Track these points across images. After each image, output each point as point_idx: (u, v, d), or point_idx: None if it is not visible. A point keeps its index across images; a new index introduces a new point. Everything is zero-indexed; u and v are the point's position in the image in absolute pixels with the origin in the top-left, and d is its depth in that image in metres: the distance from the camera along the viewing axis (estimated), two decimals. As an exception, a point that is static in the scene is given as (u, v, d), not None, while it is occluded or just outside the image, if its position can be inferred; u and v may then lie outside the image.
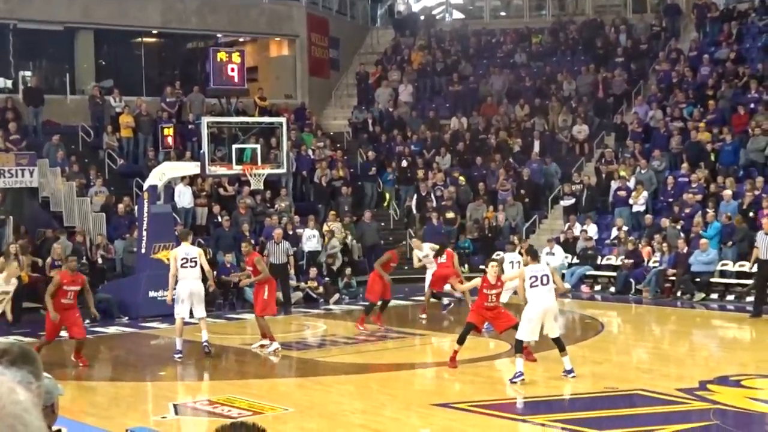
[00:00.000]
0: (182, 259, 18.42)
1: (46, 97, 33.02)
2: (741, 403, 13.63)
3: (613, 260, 28.78)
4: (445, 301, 25.33)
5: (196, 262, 18.54)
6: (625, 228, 29.50)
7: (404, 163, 35.18)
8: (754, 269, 23.64)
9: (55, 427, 5.57)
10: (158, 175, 25.06)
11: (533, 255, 16.66)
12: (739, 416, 13.14)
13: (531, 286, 15.56)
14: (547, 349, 17.14)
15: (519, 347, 15.53)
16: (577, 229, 30.43)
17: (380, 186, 35.36)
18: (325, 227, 30.24)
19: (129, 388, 16.20)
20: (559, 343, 15.75)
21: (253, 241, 24.34)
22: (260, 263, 19.04)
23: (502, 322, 16.50)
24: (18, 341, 5.00)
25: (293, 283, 27.25)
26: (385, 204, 34.85)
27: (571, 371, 15.40)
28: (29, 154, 29.19)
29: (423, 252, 24.39)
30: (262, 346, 19.00)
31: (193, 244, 20.27)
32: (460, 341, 16.71)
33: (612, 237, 29.87)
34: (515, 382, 15.06)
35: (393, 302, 26.61)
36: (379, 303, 22.25)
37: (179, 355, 18.28)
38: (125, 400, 15.35)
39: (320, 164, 33.98)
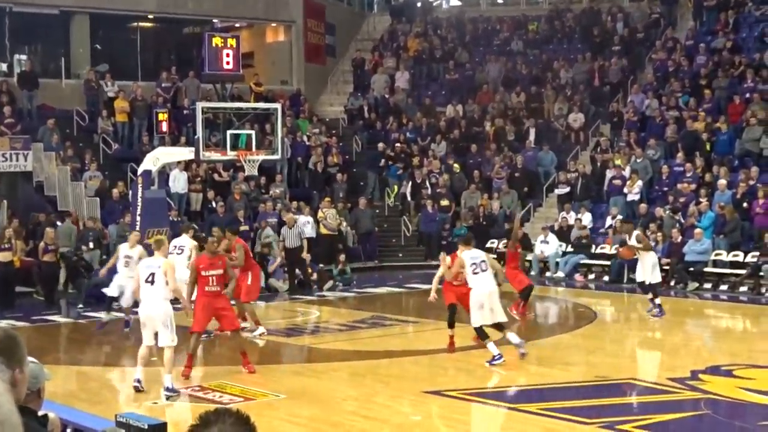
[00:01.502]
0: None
1: (41, 81, 32.95)
2: (732, 393, 13.64)
3: (607, 249, 28.78)
4: None
5: (182, 249, 18.81)
6: (619, 217, 29.49)
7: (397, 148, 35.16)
8: None
9: (41, 412, 5.56)
10: (152, 160, 25.00)
11: (466, 241, 16.61)
12: (731, 406, 13.15)
13: (473, 273, 15.60)
14: (539, 337, 17.16)
15: (482, 334, 15.67)
16: (571, 218, 30.42)
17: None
18: (319, 213, 30.21)
19: (121, 373, 16.19)
20: (499, 326, 16.04)
21: (248, 227, 24.45)
22: (240, 250, 18.86)
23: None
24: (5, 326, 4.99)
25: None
26: (391, 198, 34.66)
27: (520, 345, 15.84)
28: (24, 138, 29.17)
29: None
30: (250, 330, 19.02)
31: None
32: (450, 326, 16.93)
33: (606, 226, 29.87)
34: (495, 364, 15.15)
35: (387, 289, 26.70)
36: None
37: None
38: (116, 385, 15.34)
39: (315, 150, 33.94)
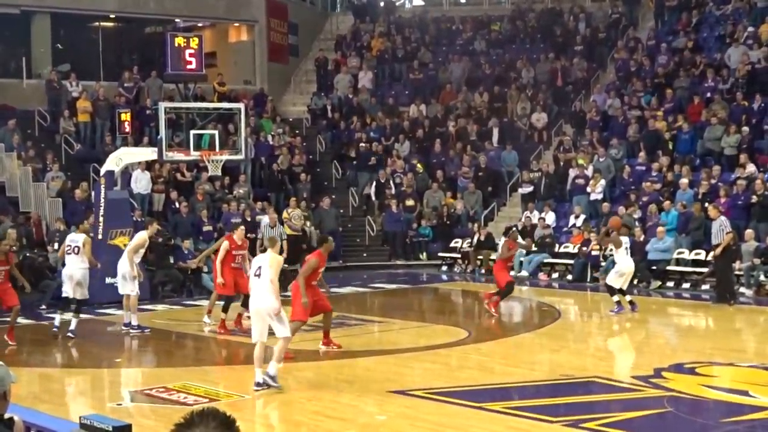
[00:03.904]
0: None
1: (2, 81, 32.79)
2: (695, 391, 13.73)
3: (571, 248, 28.91)
4: None
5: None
6: (582, 216, 29.67)
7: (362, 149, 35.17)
8: None
9: (7, 415, 5.53)
10: (115, 161, 24.89)
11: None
12: (693, 403, 13.23)
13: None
14: (504, 336, 17.15)
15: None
16: (535, 217, 30.55)
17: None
18: (284, 214, 30.16)
19: (84, 374, 16.09)
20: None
21: (211, 227, 24.48)
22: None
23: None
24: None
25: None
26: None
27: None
28: (-16, 139, 28.97)
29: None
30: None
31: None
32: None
33: (570, 225, 30.02)
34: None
35: (351, 289, 26.68)
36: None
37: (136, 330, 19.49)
38: (81, 387, 15.25)
39: (281, 150, 33.86)
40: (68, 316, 19.40)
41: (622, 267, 21.91)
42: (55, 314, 19.61)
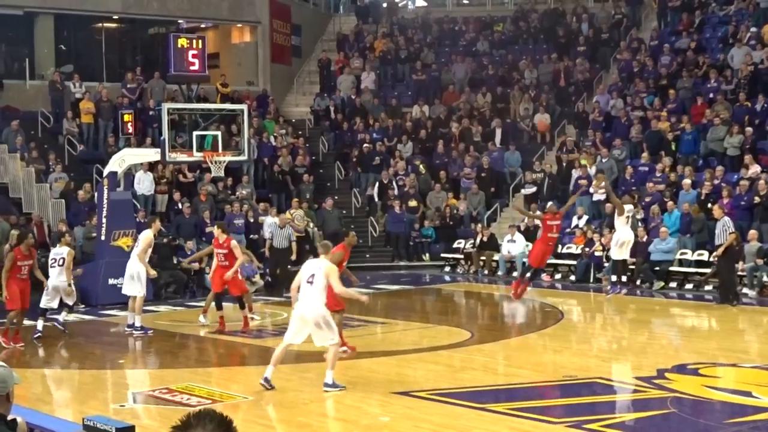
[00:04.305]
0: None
1: (5, 83, 32.76)
2: (698, 392, 13.73)
3: (573, 249, 28.90)
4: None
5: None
6: (585, 217, 29.65)
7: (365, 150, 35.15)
8: None
9: (10, 416, 5.53)
10: (118, 162, 24.90)
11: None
12: (697, 404, 13.23)
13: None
14: (507, 337, 17.15)
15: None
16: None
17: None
18: (286, 215, 30.16)
19: (88, 376, 16.09)
20: None
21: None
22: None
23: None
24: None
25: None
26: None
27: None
28: (-13, 140, 29.00)
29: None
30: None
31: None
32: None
33: (572, 225, 29.99)
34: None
35: (354, 290, 26.64)
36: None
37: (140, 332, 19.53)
38: (84, 388, 15.25)
39: (282, 152, 33.87)
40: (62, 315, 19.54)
41: (621, 236, 22.00)
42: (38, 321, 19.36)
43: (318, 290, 13.77)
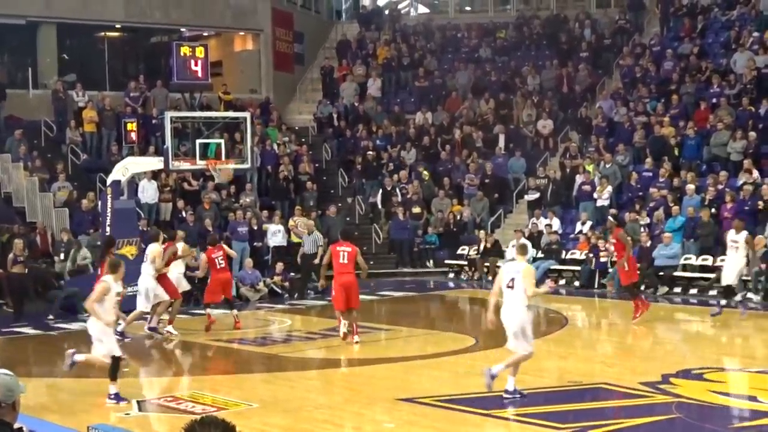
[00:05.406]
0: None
1: (8, 92, 32.79)
2: (703, 397, 13.71)
3: (578, 254, 28.88)
4: None
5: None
6: (589, 222, 29.64)
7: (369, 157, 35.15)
8: None
9: (16, 425, 5.53)
10: (122, 170, 24.90)
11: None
12: (702, 409, 13.21)
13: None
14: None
15: None
16: (541, 224, 30.51)
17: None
18: (290, 222, 30.21)
19: (92, 384, 16.08)
20: None
21: (217, 236, 24.52)
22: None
23: None
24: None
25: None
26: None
27: None
28: (-10, 150, 29.01)
29: None
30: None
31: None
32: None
33: (576, 231, 29.99)
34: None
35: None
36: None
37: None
38: (88, 396, 15.25)
39: (283, 159, 33.87)
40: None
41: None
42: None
43: (519, 295, 13.67)
